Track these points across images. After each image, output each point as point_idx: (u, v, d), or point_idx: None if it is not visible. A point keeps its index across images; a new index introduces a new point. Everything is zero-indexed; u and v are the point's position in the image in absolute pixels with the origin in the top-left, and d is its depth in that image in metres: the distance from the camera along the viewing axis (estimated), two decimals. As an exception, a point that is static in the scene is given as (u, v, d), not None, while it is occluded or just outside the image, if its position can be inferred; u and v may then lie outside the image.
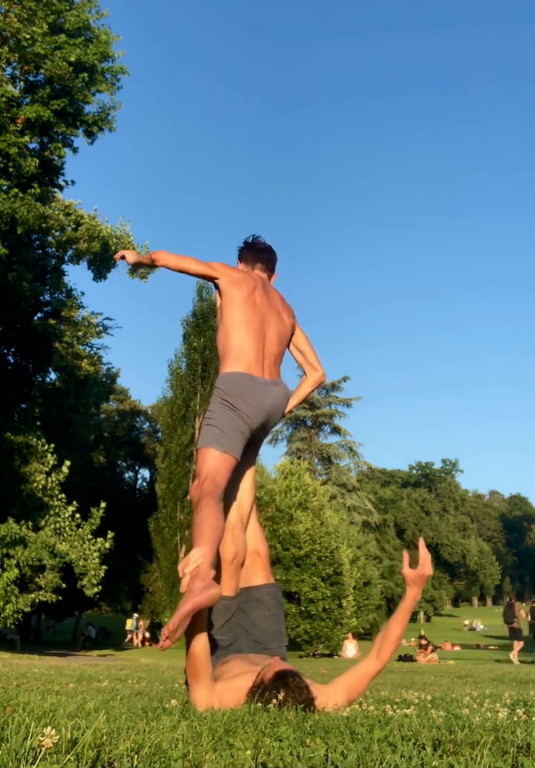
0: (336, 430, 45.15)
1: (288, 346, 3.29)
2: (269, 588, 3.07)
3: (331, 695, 2.59)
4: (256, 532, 3.16)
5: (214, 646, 2.82)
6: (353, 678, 2.71)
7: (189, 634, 2.58)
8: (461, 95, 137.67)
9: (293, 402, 3.30)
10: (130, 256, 3.27)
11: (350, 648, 21.16)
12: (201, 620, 2.58)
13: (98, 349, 28.12)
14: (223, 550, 3.05)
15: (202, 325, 31.40)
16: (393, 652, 2.75)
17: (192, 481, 24.47)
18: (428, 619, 61.07)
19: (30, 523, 16.82)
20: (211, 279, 3.15)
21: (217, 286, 3.17)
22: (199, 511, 2.68)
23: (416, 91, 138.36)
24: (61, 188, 19.14)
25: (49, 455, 18.42)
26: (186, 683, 3.03)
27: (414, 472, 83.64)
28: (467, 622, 53.75)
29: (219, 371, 3.03)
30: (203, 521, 2.64)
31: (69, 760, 1.44)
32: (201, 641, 2.60)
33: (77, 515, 18.22)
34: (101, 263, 20.27)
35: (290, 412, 3.35)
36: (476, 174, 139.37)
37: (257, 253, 3.39)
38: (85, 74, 16.43)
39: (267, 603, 3.05)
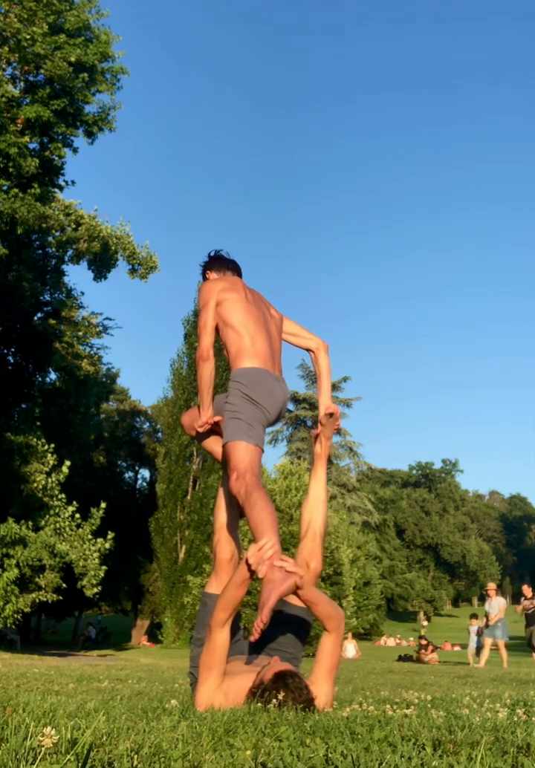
0: (336, 430, 45.13)
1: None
2: (305, 612, 3.03)
3: (317, 685, 2.63)
4: (312, 544, 3.14)
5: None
6: (326, 664, 2.75)
7: (216, 623, 2.62)
8: (462, 92, 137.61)
9: (327, 394, 3.36)
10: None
11: (350, 648, 21.16)
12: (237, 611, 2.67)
13: (98, 349, 28.17)
14: (219, 550, 3.05)
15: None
16: (335, 617, 2.75)
17: (192, 482, 24.24)
18: (428, 619, 61.04)
19: (30, 523, 16.83)
20: (214, 310, 3.16)
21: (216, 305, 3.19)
22: (253, 504, 2.67)
23: (417, 88, 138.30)
24: (61, 188, 19.14)
25: (49, 455, 18.42)
26: (191, 684, 3.04)
27: (414, 472, 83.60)
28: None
29: (233, 367, 3.05)
30: (262, 512, 2.64)
31: (69, 760, 1.44)
32: (224, 634, 2.64)
33: (77, 515, 18.22)
34: (101, 263, 20.27)
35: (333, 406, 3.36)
36: (476, 173, 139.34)
37: (225, 261, 3.50)
38: (85, 74, 16.43)
39: (297, 625, 3.04)
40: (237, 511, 3.05)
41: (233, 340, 3.07)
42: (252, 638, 2.52)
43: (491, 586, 14.27)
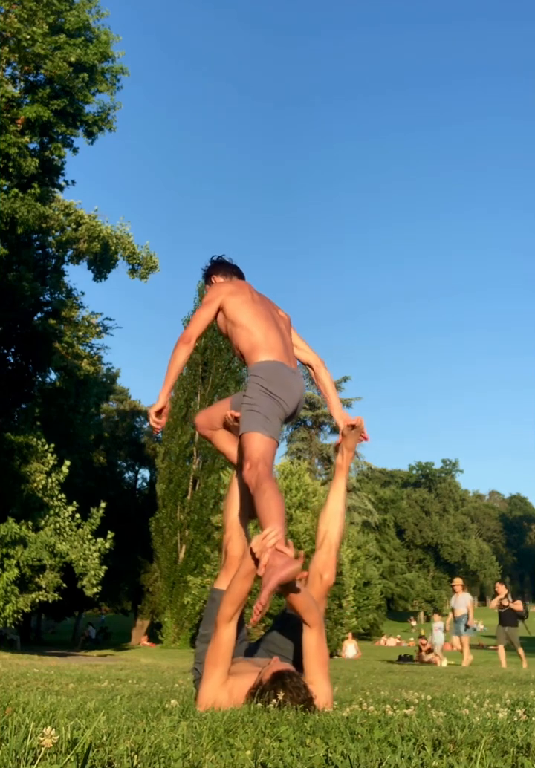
0: (336, 430, 45.13)
1: None
2: None
3: (314, 685, 2.61)
4: (327, 556, 3.16)
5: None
6: (315, 660, 2.71)
7: (223, 618, 2.64)
8: (461, 92, 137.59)
9: (339, 406, 3.38)
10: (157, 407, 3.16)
11: (350, 648, 21.15)
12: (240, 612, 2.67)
13: (98, 349, 28.17)
14: (231, 547, 3.07)
15: (203, 325, 31.44)
16: (315, 610, 2.72)
17: (192, 482, 24.21)
18: (427, 620, 61.03)
19: (30, 523, 16.83)
20: (218, 309, 3.21)
21: (220, 307, 3.22)
22: (262, 494, 2.70)
23: (416, 88, 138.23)
24: (61, 188, 19.15)
25: (49, 455, 18.42)
26: (194, 681, 3.04)
27: (414, 472, 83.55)
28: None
29: (249, 363, 3.07)
30: (270, 502, 2.66)
31: (69, 760, 1.44)
32: (230, 630, 2.65)
33: (77, 515, 18.21)
34: (101, 263, 20.26)
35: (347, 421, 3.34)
36: (476, 173, 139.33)
37: (231, 267, 3.54)
38: (85, 74, 16.43)
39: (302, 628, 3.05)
40: (248, 509, 3.07)
41: (246, 338, 3.09)
42: (252, 622, 2.53)
43: (458, 581, 14.05)
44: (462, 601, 13.22)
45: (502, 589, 13.60)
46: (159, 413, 3.10)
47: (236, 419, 3.10)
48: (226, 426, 3.25)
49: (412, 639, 28.00)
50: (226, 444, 3.28)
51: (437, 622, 17.02)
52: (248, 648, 3.07)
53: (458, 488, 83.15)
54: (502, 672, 7.93)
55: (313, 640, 2.72)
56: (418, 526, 74.25)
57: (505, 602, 13.18)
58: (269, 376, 2.97)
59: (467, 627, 13.19)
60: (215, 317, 3.20)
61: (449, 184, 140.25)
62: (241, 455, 2.95)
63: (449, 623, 14.61)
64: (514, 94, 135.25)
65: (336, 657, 20.13)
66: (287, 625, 3.01)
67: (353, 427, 3.27)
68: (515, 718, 2.27)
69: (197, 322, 3.15)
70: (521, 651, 12.82)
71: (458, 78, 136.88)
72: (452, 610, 13.50)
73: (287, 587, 2.61)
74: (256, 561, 2.52)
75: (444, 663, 13.05)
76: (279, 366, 3.01)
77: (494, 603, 13.75)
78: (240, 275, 3.55)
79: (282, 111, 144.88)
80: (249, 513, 3.08)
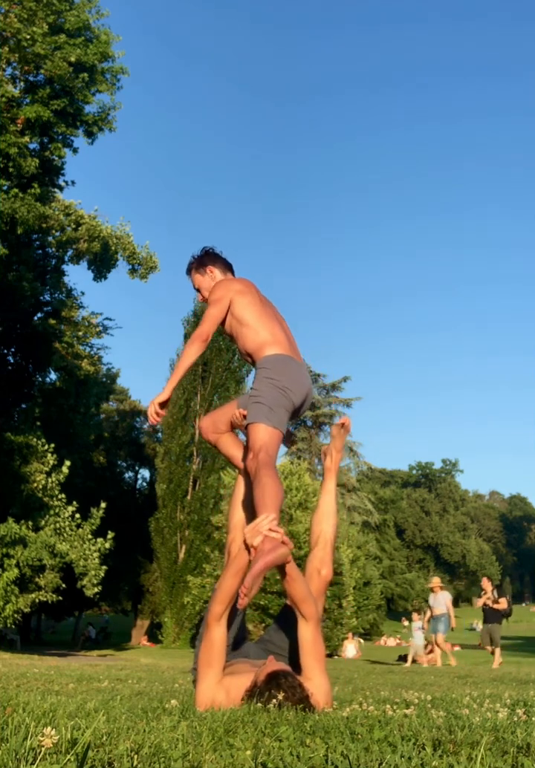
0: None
1: None
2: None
3: (311, 682, 2.60)
4: (323, 552, 3.18)
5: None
6: (310, 655, 2.69)
7: (213, 617, 2.65)
8: (461, 88, 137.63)
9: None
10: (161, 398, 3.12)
11: (350, 648, 21.14)
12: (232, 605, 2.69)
13: (98, 349, 28.16)
14: (235, 549, 3.08)
15: (203, 325, 31.40)
16: (311, 602, 2.71)
17: (192, 482, 24.16)
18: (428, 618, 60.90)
19: (30, 523, 16.83)
20: (227, 308, 3.23)
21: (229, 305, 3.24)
22: (259, 481, 2.73)
23: (416, 84, 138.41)
24: (61, 188, 19.16)
25: (49, 455, 18.42)
26: (194, 681, 3.04)
27: (414, 472, 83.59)
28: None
29: (257, 359, 3.10)
30: (265, 489, 2.69)
31: (69, 760, 1.44)
32: (221, 629, 2.65)
33: (77, 515, 18.21)
34: (101, 263, 20.26)
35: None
36: (476, 170, 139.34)
37: (226, 261, 3.57)
38: (85, 74, 16.43)
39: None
40: (252, 510, 3.08)
41: (252, 338, 3.12)
42: (239, 605, 2.55)
43: (436, 580, 13.93)
44: (442, 600, 13.14)
45: (488, 585, 13.45)
46: (162, 405, 3.09)
47: (245, 417, 3.12)
48: (234, 426, 3.25)
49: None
50: (231, 448, 3.29)
51: (417, 622, 16.94)
52: (248, 648, 3.08)
53: (458, 488, 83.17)
54: (502, 672, 7.93)
55: (308, 633, 2.71)
56: (418, 526, 74.26)
57: (488, 602, 13.06)
58: (276, 367, 3.01)
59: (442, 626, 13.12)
60: (222, 317, 3.22)
61: (449, 182, 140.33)
62: (247, 452, 2.96)
63: (426, 622, 14.56)
64: (514, 94, 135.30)
65: (336, 657, 20.12)
66: (286, 624, 3.01)
67: (343, 425, 3.31)
68: (515, 718, 2.27)
69: (210, 320, 3.16)
70: (497, 651, 12.69)
71: (459, 77, 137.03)
72: (430, 609, 13.41)
73: (280, 571, 2.63)
74: (249, 549, 2.54)
75: (436, 662, 13.00)
76: (287, 359, 3.05)
77: (479, 602, 13.66)
78: (233, 269, 3.57)
79: (282, 110, 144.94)
80: (253, 514, 3.08)
